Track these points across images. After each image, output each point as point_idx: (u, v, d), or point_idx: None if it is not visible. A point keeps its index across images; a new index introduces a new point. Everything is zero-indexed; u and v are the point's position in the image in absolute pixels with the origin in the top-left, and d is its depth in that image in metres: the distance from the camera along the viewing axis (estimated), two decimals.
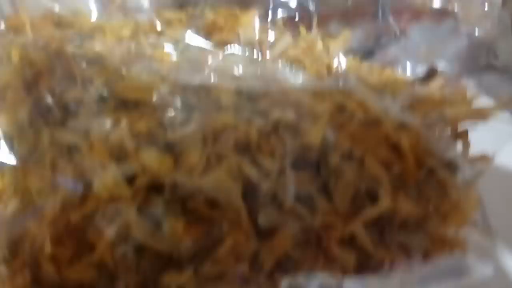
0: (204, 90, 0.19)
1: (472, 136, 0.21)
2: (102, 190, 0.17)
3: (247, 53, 0.22)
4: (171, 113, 0.18)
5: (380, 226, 0.18)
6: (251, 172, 0.17)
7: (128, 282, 0.17)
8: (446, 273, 0.17)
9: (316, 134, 0.18)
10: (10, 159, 0.18)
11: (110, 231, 0.17)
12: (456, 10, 0.24)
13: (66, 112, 0.19)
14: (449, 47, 0.26)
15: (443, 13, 0.26)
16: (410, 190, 0.18)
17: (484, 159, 0.21)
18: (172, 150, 0.18)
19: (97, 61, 0.20)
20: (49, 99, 0.19)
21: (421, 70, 0.28)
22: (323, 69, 0.23)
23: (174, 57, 0.21)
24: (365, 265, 0.18)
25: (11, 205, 0.18)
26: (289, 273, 0.17)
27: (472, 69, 0.23)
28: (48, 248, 0.17)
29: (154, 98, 0.19)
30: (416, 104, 0.20)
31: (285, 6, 0.24)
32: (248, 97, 0.19)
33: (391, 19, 0.30)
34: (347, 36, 0.26)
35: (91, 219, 0.17)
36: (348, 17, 0.30)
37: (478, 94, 0.22)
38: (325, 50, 0.25)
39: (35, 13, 0.22)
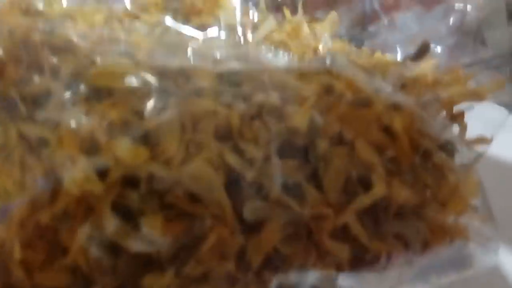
0: (183, 75, 0.18)
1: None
2: (73, 186, 0.15)
3: (228, 37, 0.21)
4: (146, 100, 0.17)
5: (375, 216, 0.17)
6: (234, 160, 0.16)
7: (105, 286, 0.16)
8: (447, 264, 0.16)
9: (302, 117, 0.16)
10: None
11: (82, 232, 0.15)
12: None
13: (34, 105, 0.18)
14: (441, 23, 0.25)
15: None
16: (405, 175, 0.17)
17: (482, 141, 0.20)
18: (148, 140, 0.16)
19: (66, 48, 0.18)
20: (15, 92, 0.18)
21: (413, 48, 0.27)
22: (309, 52, 0.22)
23: (150, 42, 0.19)
24: (360, 259, 0.16)
25: None
26: (279, 270, 0.16)
27: (467, 44, 0.22)
28: (17, 252, 0.16)
29: (128, 84, 0.17)
30: (409, 84, 0.19)
31: None
32: (229, 80, 0.18)
33: (378, 7, 0.29)
34: (334, 19, 0.24)
35: (62, 219, 0.16)
36: (334, 5, 0.29)
37: (474, 73, 0.21)
38: (311, 33, 0.24)
39: (1, 0, 0.21)
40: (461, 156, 0.19)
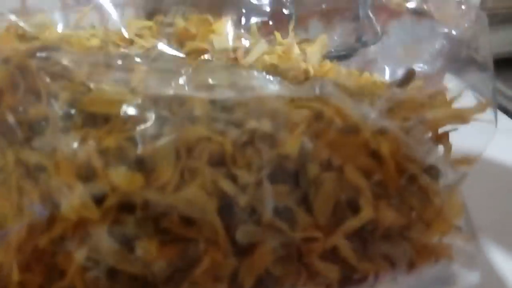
0: (177, 101, 0.18)
1: (454, 134, 0.21)
2: (70, 212, 0.16)
3: (221, 62, 0.21)
4: (141, 126, 0.17)
5: (363, 237, 0.17)
6: (227, 186, 0.16)
7: None
8: (432, 283, 0.17)
9: (293, 144, 0.17)
10: None
11: (79, 255, 0.16)
12: (432, 10, 0.24)
13: (31, 131, 0.18)
14: (427, 46, 0.26)
15: (420, 13, 0.25)
16: (392, 198, 0.17)
17: (467, 161, 0.21)
18: (143, 166, 0.17)
19: (63, 75, 0.19)
20: (11, 118, 0.18)
21: (400, 71, 0.28)
22: (300, 75, 0.23)
23: (144, 67, 0.20)
24: (349, 278, 0.17)
25: None
26: None
27: (453, 67, 0.23)
28: (16, 275, 0.17)
29: (123, 111, 0.18)
30: (395, 108, 0.20)
31: (259, 10, 0.24)
32: (222, 106, 0.19)
33: (372, 17, 0.29)
34: (324, 41, 0.25)
35: (59, 243, 0.16)
36: (328, 16, 0.29)
37: (461, 92, 0.21)
38: (302, 55, 0.24)
39: None
40: (446, 177, 0.19)
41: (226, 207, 0.16)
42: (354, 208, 0.17)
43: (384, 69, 0.26)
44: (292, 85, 0.21)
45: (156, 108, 0.18)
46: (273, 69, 0.22)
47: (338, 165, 0.17)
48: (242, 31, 0.23)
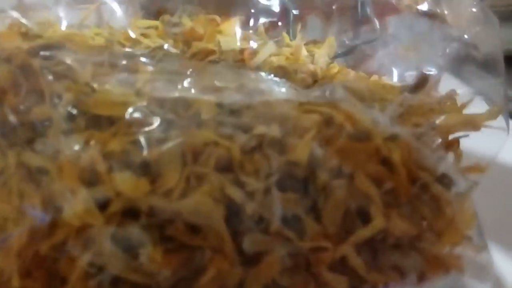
0: (183, 104, 0.18)
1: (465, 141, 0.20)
2: (73, 217, 0.15)
3: (228, 63, 0.21)
4: (147, 130, 0.17)
5: (373, 247, 0.17)
6: (234, 193, 0.16)
7: None
8: None
9: (303, 150, 0.17)
10: None
11: (82, 262, 0.15)
12: (445, 12, 0.23)
13: (33, 132, 0.18)
14: (437, 49, 0.25)
15: (431, 16, 0.25)
16: (403, 207, 0.17)
17: (478, 169, 0.20)
18: (149, 171, 0.16)
19: (67, 75, 0.19)
20: (14, 118, 0.18)
21: (399, 69, 0.27)
22: (308, 77, 0.22)
23: (150, 68, 0.20)
24: None
25: None
26: None
27: (463, 72, 0.23)
28: (16, 282, 0.16)
29: (129, 114, 0.17)
30: (405, 113, 0.19)
31: (267, 11, 0.23)
32: (229, 110, 0.18)
33: (370, 13, 0.29)
34: (332, 42, 0.25)
35: (61, 249, 0.16)
36: (326, 12, 0.29)
37: (472, 99, 0.21)
38: (309, 57, 0.24)
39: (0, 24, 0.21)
40: (457, 185, 0.19)
41: (233, 214, 0.16)
42: (364, 216, 0.17)
43: (383, 65, 0.26)
44: (301, 88, 0.21)
45: (162, 111, 0.18)
46: (281, 71, 0.22)
47: (349, 173, 0.17)
48: (251, 32, 0.23)
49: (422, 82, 0.19)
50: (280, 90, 0.19)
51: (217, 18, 0.22)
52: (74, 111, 0.18)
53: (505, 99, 0.21)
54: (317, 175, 0.17)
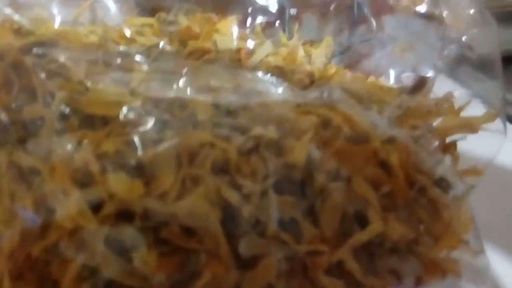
0: (178, 104, 0.18)
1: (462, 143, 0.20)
2: (65, 219, 0.15)
3: (224, 62, 0.21)
4: (141, 130, 0.17)
5: (370, 251, 0.17)
6: (231, 195, 0.16)
7: None
8: None
9: (300, 152, 0.16)
10: None
11: (75, 266, 0.15)
12: (444, 14, 0.23)
13: (25, 131, 0.17)
14: (434, 50, 0.25)
15: (429, 17, 0.25)
16: (401, 211, 0.17)
17: (475, 172, 0.20)
18: (143, 173, 0.16)
19: (60, 73, 0.18)
20: (5, 117, 0.17)
21: (404, 74, 0.27)
22: (305, 78, 0.22)
23: (145, 67, 0.19)
24: None
25: None
26: None
27: (460, 74, 0.22)
28: (7, 284, 0.16)
29: (123, 114, 0.17)
30: (403, 116, 0.19)
31: (265, 10, 0.23)
32: (226, 111, 0.18)
33: (367, 12, 0.29)
34: (330, 42, 0.24)
35: (54, 252, 0.15)
36: (322, 10, 0.29)
37: (470, 101, 0.21)
38: (307, 57, 0.24)
39: None
40: (454, 189, 0.19)
41: (229, 217, 0.16)
42: (361, 220, 0.17)
43: (379, 65, 0.26)
44: (298, 89, 0.21)
45: (157, 111, 0.17)
46: (277, 72, 0.21)
47: (346, 175, 0.17)
48: (248, 31, 0.22)
49: (420, 84, 0.19)
50: (277, 91, 0.18)
51: (214, 16, 0.22)
52: (67, 110, 0.17)
53: (503, 102, 0.21)
54: (314, 178, 0.16)
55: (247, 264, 0.16)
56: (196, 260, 0.15)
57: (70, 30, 0.21)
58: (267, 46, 0.22)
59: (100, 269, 0.15)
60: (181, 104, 0.18)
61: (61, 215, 0.15)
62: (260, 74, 0.20)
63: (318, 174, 0.16)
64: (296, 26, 0.24)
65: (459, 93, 0.22)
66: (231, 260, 0.16)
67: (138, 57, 0.20)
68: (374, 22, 0.28)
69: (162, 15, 0.22)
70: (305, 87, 0.21)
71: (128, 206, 0.15)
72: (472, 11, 0.24)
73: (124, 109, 0.17)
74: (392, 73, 0.26)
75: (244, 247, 0.16)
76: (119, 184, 0.15)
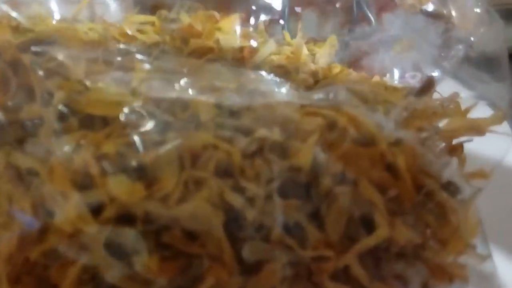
0: (180, 104, 0.17)
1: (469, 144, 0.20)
2: (65, 223, 0.15)
3: (227, 61, 0.20)
4: (143, 131, 0.16)
5: (376, 256, 0.16)
6: (234, 199, 0.15)
7: None
8: None
9: (306, 155, 0.16)
10: None
11: (74, 270, 0.15)
12: (450, 14, 0.23)
13: (23, 131, 0.17)
14: (441, 50, 0.25)
15: (435, 16, 0.24)
16: (408, 215, 0.16)
17: (482, 175, 0.20)
18: (144, 175, 0.16)
19: (59, 71, 0.18)
20: (2, 116, 0.17)
21: (408, 73, 0.27)
22: (309, 77, 0.22)
23: (146, 66, 0.19)
24: None
25: None
26: None
27: (467, 75, 0.22)
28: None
29: (124, 114, 0.16)
30: (410, 117, 0.19)
31: (268, 9, 0.23)
32: (229, 111, 0.17)
33: (366, 9, 0.28)
34: (334, 41, 0.24)
35: (52, 256, 0.15)
36: (321, 6, 0.28)
37: (476, 103, 0.20)
38: (310, 56, 0.23)
39: None
40: (461, 192, 0.18)
41: (232, 221, 0.15)
42: (367, 224, 0.16)
43: (381, 61, 0.25)
44: (302, 89, 0.20)
45: (158, 111, 0.17)
46: (281, 71, 0.21)
47: (352, 179, 0.16)
48: (251, 29, 0.22)
49: (428, 86, 0.19)
50: (281, 91, 0.18)
51: (216, 14, 0.21)
52: (66, 110, 0.17)
53: (510, 104, 0.21)
54: (320, 181, 0.16)
55: (251, 269, 0.15)
56: (199, 264, 0.15)
57: (69, 27, 0.20)
58: (271, 45, 0.22)
59: (100, 274, 0.15)
60: (183, 104, 0.17)
61: (60, 218, 0.15)
62: (263, 73, 0.20)
63: (323, 177, 0.16)
64: (299, 25, 0.23)
65: (465, 95, 0.22)
66: (235, 265, 0.15)
67: (139, 56, 0.19)
68: (374, 19, 0.28)
69: (163, 12, 0.21)
70: (309, 87, 0.21)
71: (129, 210, 0.15)
72: (479, 10, 0.24)
73: (125, 110, 0.16)
74: (396, 72, 0.26)
75: (248, 252, 0.15)
76: (120, 187, 0.15)
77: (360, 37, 0.28)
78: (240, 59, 0.21)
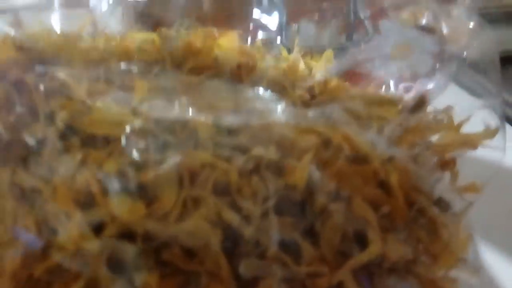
0: (180, 123, 0.18)
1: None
2: (67, 242, 0.15)
3: (225, 79, 0.21)
4: (143, 151, 0.17)
5: (368, 271, 0.17)
6: (232, 217, 0.16)
7: None
8: None
9: (301, 173, 0.17)
10: None
11: (77, 287, 0.15)
12: (442, 28, 0.23)
13: (27, 150, 0.17)
14: (432, 61, 0.25)
15: (429, 30, 0.25)
16: (400, 231, 0.17)
17: (473, 189, 0.20)
18: (145, 193, 0.16)
19: (61, 91, 0.18)
20: (7, 135, 0.17)
21: (402, 85, 0.27)
22: (305, 93, 0.22)
23: (146, 85, 0.19)
24: None
25: None
26: None
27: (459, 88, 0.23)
28: None
29: (125, 134, 0.17)
30: (403, 135, 0.19)
31: (265, 27, 0.23)
32: (227, 129, 0.18)
33: (363, 15, 0.29)
34: (330, 56, 0.25)
35: (56, 272, 0.16)
36: (319, 14, 0.29)
37: (469, 118, 0.21)
38: (307, 71, 0.24)
39: None
40: (452, 207, 0.19)
41: (229, 238, 0.16)
42: (360, 240, 0.17)
43: (377, 68, 0.26)
44: (299, 104, 0.21)
45: (158, 130, 0.17)
46: (278, 87, 0.22)
47: (346, 196, 0.17)
48: (248, 45, 0.22)
49: (420, 104, 0.19)
50: (278, 110, 0.18)
51: (215, 31, 0.22)
52: (69, 130, 0.17)
53: (502, 119, 0.21)
54: (314, 199, 0.17)
55: (247, 285, 0.16)
56: (197, 281, 0.16)
57: (71, 46, 0.21)
58: (268, 61, 0.22)
59: None
60: (182, 123, 0.18)
61: (63, 237, 0.15)
62: (261, 90, 0.20)
63: (318, 195, 0.17)
64: (296, 40, 0.24)
65: (468, 103, 0.22)
66: (232, 281, 0.16)
67: (139, 74, 0.20)
68: (370, 27, 0.28)
69: (164, 30, 0.22)
70: (305, 102, 0.22)
71: (129, 228, 0.16)
72: (472, 25, 0.24)
73: (127, 129, 0.17)
74: (391, 83, 0.27)
75: (245, 268, 0.16)
76: (121, 206, 0.16)
77: (357, 44, 0.28)
78: (238, 75, 0.21)
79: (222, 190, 0.16)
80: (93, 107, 0.18)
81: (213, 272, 0.16)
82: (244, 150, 0.17)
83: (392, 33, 0.28)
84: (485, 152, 0.21)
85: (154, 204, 0.16)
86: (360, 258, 0.16)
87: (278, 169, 0.17)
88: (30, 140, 0.17)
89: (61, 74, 0.19)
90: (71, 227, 0.15)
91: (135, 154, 0.17)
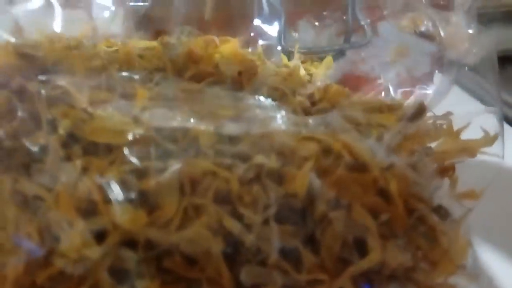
0: (181, 132, 0.18)
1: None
2: (70, 250, 0.15)
3: (226, 85, 0.21)
4: (145, 159, 0.17)
5: (368, 279, 0.17)
6: (233, 225, 0.16)
7: None
8: None
9: (301, 181, 0.17)
10: None
11: None
12: (441, 35, 0.24)
13: (29, 157, 0.18)
14: (431, 68, 0.26)
15: (427, 37, 0.25)
16: (399, 238, 0.17)
17: (472, 196, 0.20)
18: (146, 201, 0.16)
19: (64, 100, 0.18)
20: (9, 143, 0.17)
21: (401, 90, 0.27)
22: (305, 100, 0.22)
23: (147, 93, 0.19)
24: None
25: None
26: None
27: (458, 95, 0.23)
28: None
29: (127, 142, 0.17)
30: (402, 142, 0.19)
31: (266, 35, 0.23)
32: (228, 137, 0.18)
33: (361, 18, 0.29)
34: (330, 63, 0.25)
35: (58, 279, 0.16)
36: (317, 16, 0.29)
37: (467, 125, 0.21)
38: (307, 77, 0.24)
39: None
40: (451, 215, 0.19)
41: (230, 246, 0.16)
42: (360, 248, 0.17)
43: (376, 70, 0.26)
44: (299, 111, 0.21)
45: (160, 138, 0.17)
46: (279, 94, 0.22)
47: (346, 204, 0.17)
48: (250, 52, 0.22)
49: (420, 111, 0.20)
50: (278, 118, 0.19)
51: (216, 39, 0.22)
52: (71, 138, 0.17)
53: (501, 126, 0.21)
54: (315, 206, 0.17)
55: None
56: None
57: (74, 53, 0.21)
58: (269, 68, 0.22)
59: None
60: (183, 131, 0.18)
61: (66, 245, 0.15)
62: (261, 98, 0.21)
63: (318, 203, 0.17)
64: (297, 47, 0.24)
65: (473, 106, 0.22)
66: None
67: (140, 82, 0.20)
68: (368, 29, 0.28)
69: (165, 38, 0.22)
70: (306, 109, 0.22)
71: (131, 236, 0.16)
72: (471, 31, 0.24)
73: (128, 137, 0.17)
74: (390, 89, 0.27)
75: (246, 276, 0.16)
76: (122, 214, 0.16)
77: (356, 46, 0.29)
78: (239, 83, 0.22)
79: (223, 198, 0.16)
80: (95, 115, 0.18)
81: (214, 279, 0.16)
82: (245, 158, 0.17)
83: (391, 35, 0.28)
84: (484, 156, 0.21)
85: (156, 212, 0.16)
86: (360, 265, 0.16)
87: (279, 177, 0.17)
88: (32, 148, 0.17)
89: (63, 82, 0.19)
90: (73, 234, 0.15)
91: (136, 162, 0.17)
